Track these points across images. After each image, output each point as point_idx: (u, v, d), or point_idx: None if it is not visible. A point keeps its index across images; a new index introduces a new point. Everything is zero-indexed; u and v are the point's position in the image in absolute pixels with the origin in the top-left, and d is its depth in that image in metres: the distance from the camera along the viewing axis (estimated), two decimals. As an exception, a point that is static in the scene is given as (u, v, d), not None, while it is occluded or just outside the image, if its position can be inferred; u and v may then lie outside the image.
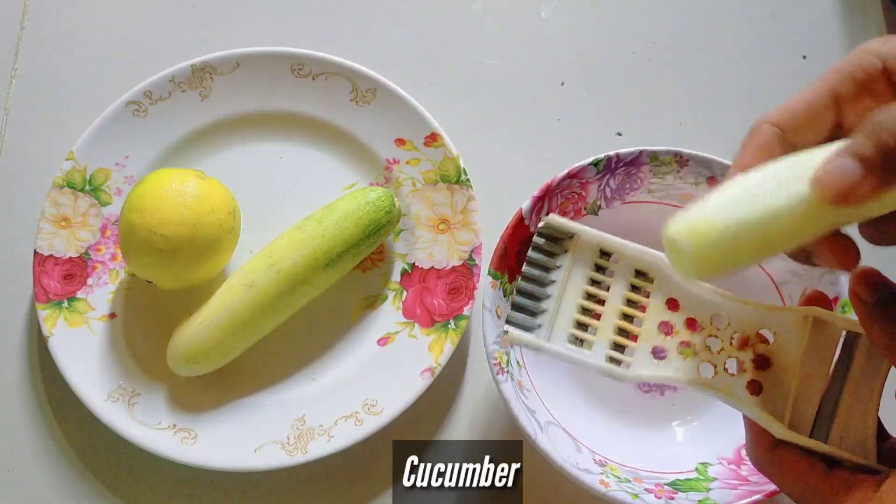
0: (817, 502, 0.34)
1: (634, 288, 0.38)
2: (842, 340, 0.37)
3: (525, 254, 0.52)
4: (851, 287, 0.35)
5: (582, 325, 0.38)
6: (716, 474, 0.50)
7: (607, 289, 0.38)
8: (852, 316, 0.37)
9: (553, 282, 0.38)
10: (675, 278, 0.38)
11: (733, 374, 0.37)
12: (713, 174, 0.54)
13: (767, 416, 0.36)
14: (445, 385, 0.57)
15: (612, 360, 0.37)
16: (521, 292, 0.38)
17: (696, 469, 0.51)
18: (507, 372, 0.50)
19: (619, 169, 0.54)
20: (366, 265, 0.59)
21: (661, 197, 0.55)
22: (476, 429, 0.56)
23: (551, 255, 0.39)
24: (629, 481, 0.49)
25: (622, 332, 0.38)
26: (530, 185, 0.53)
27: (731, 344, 0.38)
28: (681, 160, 0.54)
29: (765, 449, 0.36)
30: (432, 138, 0.59)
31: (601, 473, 0.49)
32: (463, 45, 0.67)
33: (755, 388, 0.37)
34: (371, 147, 0.61)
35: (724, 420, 0.53)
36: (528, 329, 0.38)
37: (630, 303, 0.38)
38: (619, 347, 0.37)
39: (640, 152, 0.54)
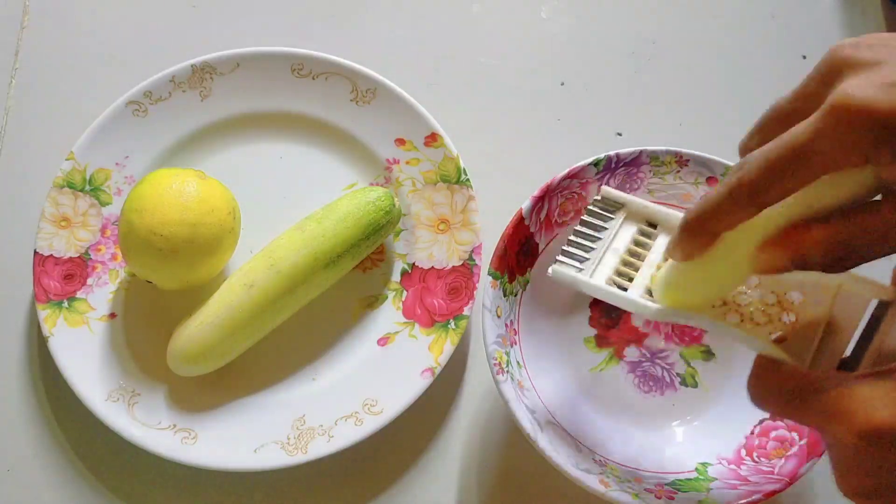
0: (815, 391, 0.34)
1: None
2: (871, 307, 0.38)
3: (525, 254, 0.53)
4: None
5: (622, 274, 0.43)
6: (716, 474, 0.50)
7: (649, 249, 0.43)
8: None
9: (600, 238, 0.44)
10: None
11: (759, 324, 0.39)
12: (713, 174, 0.54)
13: (786, 356, 0.37)
14: (445, 385, 0.57)
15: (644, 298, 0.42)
16: (571, 243, 0.44)
17: (696, 469, 0.51)
18: (507, 372, 0.50)
19: (619, 169, 0.54)
20: (366, 265, 0.59)
21: (661, 197, 0.55)
22: (476, 429, 0.56)
23: (603, 218, 0.45)
24: (629, 481, 0.49)
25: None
26: (530, 185, 0.53)
27: (760, 299, 0.40)
28: (681, 160, 0.54)
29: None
30: (432, 138, 0.59)
31: (601, 473, 0.49)
32: (463, 45, 0.67)
33: (779, 339, 0.38)
34: (371, 147, 0.61)
35: (725, 420, 0.53)
36: (572, 268, 0.43)
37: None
38: (652, 295, 0.41)
39: (640, 152, 0.54)
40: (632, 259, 0.43)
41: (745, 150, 0.36)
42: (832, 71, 0.33)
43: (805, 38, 0.67)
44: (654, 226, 0.44)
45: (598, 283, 0.42)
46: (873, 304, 0.38)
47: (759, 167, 0.32)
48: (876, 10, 0.67)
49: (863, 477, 0.33)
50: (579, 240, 0.44)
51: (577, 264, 0.44)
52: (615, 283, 0.43)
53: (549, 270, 0.44)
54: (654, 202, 0.55)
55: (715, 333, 0.41)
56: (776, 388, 0.35)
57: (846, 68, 0.32)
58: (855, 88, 0.31)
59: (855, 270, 0.38)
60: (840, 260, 0.34)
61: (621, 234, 0.44)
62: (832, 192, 0.33)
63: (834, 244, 0.34)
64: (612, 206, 0.45)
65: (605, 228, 0.44)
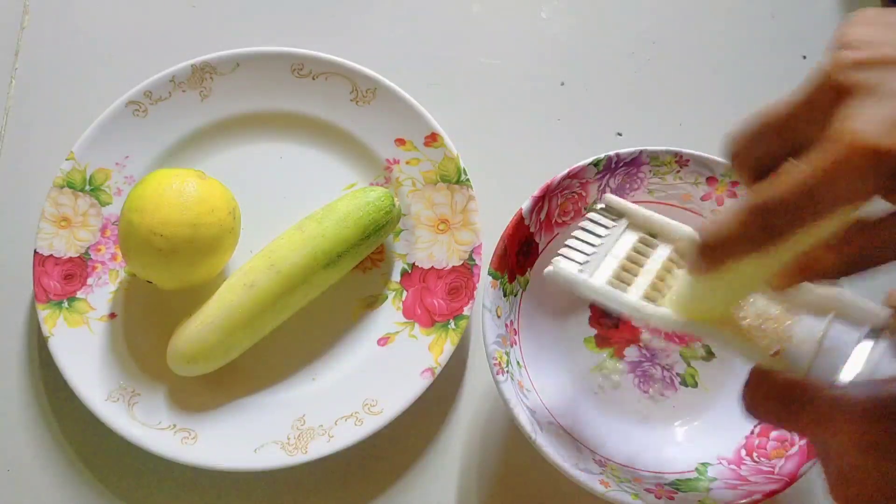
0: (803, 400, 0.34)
1: (673, 260, 0.43)
2: (865, 330, 0.38)
3: (525, 254, 0.53)
4: None
5: (621, 279, 0.42)
6: (716, 474, 0.50)
7: (649, 258, 0.43)
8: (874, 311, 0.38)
9: (601, 244, 0.43)
10: None
11: (753, 339, 0.39)
12: (713, 174, 0.54)
13: (782, 367, 0.37)
14: (445, 385, 0.57)
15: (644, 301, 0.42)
16: (569, 245, 0.44)
17: (696, 469, 0.51)
18: (507, 372, 0.50)
19: (619, 169, 0.54)
20: (366, 265, 0.59)
21: (661, 197, 0.55)
22: (476, 429, 0.56)
23: (604, 225, 0.44)
24: (629, 481, 0.49)
25: (657, 289, 0.42)
26: (530, 185, 0.53)
27: (755, 314, 0.40)
28: (681, 160, 0.54)
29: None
30: (432, 138, 0.59)
31: (601, 473, 0.49)
32: (463, 45, 0.67)
33: (774, 354, 0.39)
34: (371, 147, 0.61)
35: (725, 420, 0.53)
36: (571, 269, 0.43)
37: (669, 270, 0.42)
38: (651, 300, 0.41)
39: (640, 152, 0.54)
40: (631, 265, 0.43)
41: (734, 152, 0.35)
42: (833, 89, 0.31)
43: (805, 38, 0.67)
44: (654, 235, 0.44)
45: (597, 284, 0.42)
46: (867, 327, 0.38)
47: (771, 208, 0.32)
48: (876, 10, 0.67)
49: (857, 486, 0.32)
50: (579, 243, 0.44)
51: (576, 265, 0.43)
52: (614, 285, 0.42)
53: (547, 269, 0.43)
54: (656, 202, 0.55)
55: (712, 343, 0.41)
56: (770, 396, 0.36)
57: (848, 91, 0.31)
58: (864, 127, 0.29)
59: (852, 293, 0.39)
60: (853, 271, 0.34)
61: (622, 242, 0.44)
62: (843, 220, 0.33)
63: (844, 263, 0.34)
64: (615, 214, 0.45)
65: (606, 235, 0.44)
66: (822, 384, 0.34)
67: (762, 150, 0.34)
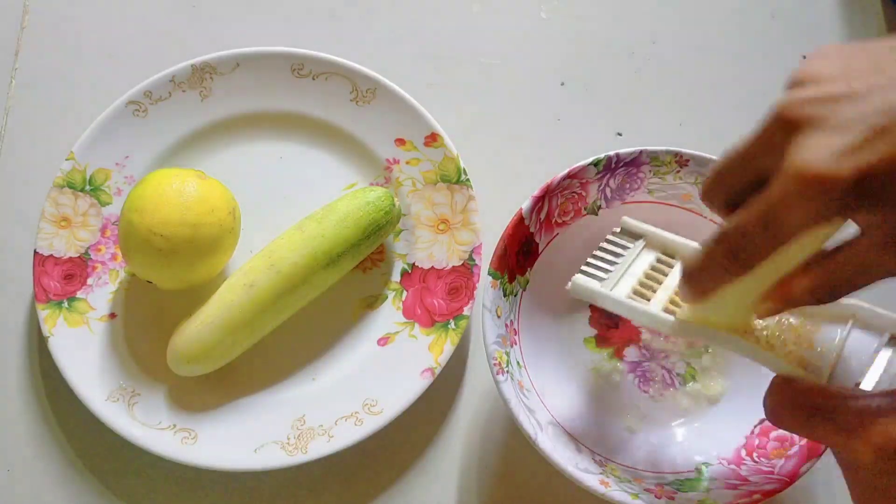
0: (834, 409, 0.35)
1: None
2: (885, 338, 0.39)
3: (525, 254, 0.53)
4: None
5: (639, 294, 0.44)
6: (716, 474, 0.50)
7: (667, 275, 0.45)
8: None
9: (618, 263, 0.45)
10: None
11: (774, 346, 0.40)
12: (713, 174, 0.54)
13: (804, 374, 0.38)
14: (445, 385, 0.57)
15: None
16: (590, 263, 0.46)
17: (696, 469, 0.51)
18: (507, 372, 0.50)
19: (619, 169, 0.54)
20: (366, 265, 0.59)
21: (661, 197, 0.55)
22: (476, 429, 0.56)
23: (622, 245, 0.46)
24: (629, 481, 0.49)
25: (675, 303, 0.43)
26: (530, 185, 0.53)
27: (775, 323, 0.41)
28: (681, 160, 0.54)
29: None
30: (432, 138, 0.59)
31: (601, 473, 0.49)
32: (463, 45, 0.67)
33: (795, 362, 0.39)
34: (371, 147, 0.61)
35: (724, 420, 0.53)
36: (593, 283, 0.45)
37: None
38: (670, 313, 0.43)
39: (640, 152, 0.54)
40: (648, 282, 0.45)
41: (708, 194, 0.38)
42: (785, 124, 0.34)
43: (805, 38, 0.67)
44: (671, 254, 0.46)
45: (618, 297, 0.44)
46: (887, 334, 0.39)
47: (736, 239, 0.35)
48: (876, 9, 0.67)
49: (882, 496, 0.33)
50: (598, 261, 0.46)
51: (596, 279, 0.45)
52: (634, 297, 0.44)
53: (569, 284, 0.45)
54: (656, 202, 0.55)
55: (732, 352, 0.42)
56: (794, 404, 0.36)
57: (798, 126, 0.33)
58: (810, 158, 0.32)
59: (872, 302, 0.39)
60: (828, 297, 0.36)
61: (639, 261, 0.46)
62: (813, 244, 0.35)
63: (819, 287, 0.36)
64: (632, 236, 0.47)
65: (624, 255, 0.46)
66: (845, 392, 0.35)
67: (729, 186, 0.36)
